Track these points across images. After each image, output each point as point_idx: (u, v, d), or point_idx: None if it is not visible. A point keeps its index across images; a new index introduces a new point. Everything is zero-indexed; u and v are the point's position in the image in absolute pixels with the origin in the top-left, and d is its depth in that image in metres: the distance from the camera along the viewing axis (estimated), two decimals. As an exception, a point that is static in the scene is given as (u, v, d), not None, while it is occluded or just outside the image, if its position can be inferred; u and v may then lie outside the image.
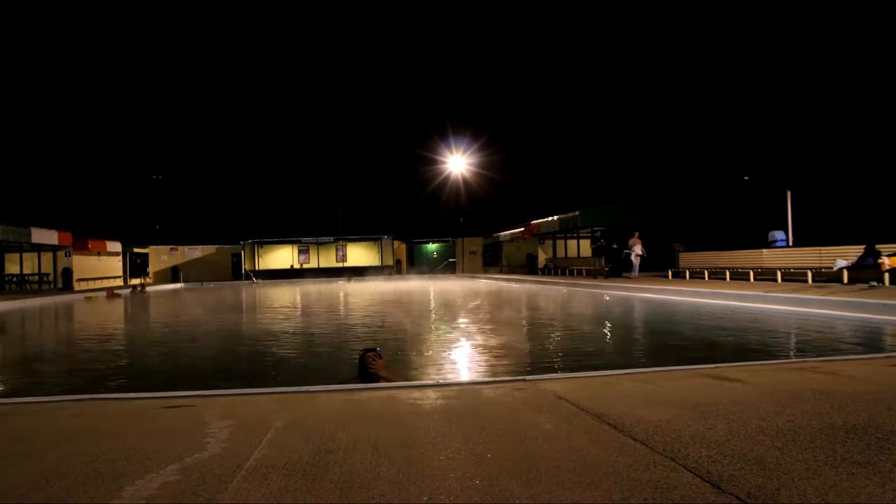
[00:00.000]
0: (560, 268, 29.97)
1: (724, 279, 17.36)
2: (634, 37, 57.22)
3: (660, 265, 24.87)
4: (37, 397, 3.94)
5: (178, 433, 2.83)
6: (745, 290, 12.98)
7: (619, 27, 58.92)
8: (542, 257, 33.94)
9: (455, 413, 3.12)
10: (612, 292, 16.63)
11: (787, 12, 40.56)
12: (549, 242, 34.11)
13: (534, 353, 7.12)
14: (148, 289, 28.79)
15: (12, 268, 29.59)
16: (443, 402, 3.39)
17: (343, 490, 2.04)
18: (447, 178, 39.13)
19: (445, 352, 7.33)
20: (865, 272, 13.14)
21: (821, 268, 14.73)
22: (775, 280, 15.59)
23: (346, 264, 41.46)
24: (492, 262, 42.14)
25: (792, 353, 6.63)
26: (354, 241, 42.16)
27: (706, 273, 18.79)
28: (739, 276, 17.23)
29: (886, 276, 12.51)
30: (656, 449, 2.39)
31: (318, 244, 41.79)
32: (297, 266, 41.16)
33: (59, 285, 28.51)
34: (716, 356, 6.08)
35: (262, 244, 41.13)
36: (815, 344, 7.01)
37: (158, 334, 10.50)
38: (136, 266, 38.63)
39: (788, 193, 21.59)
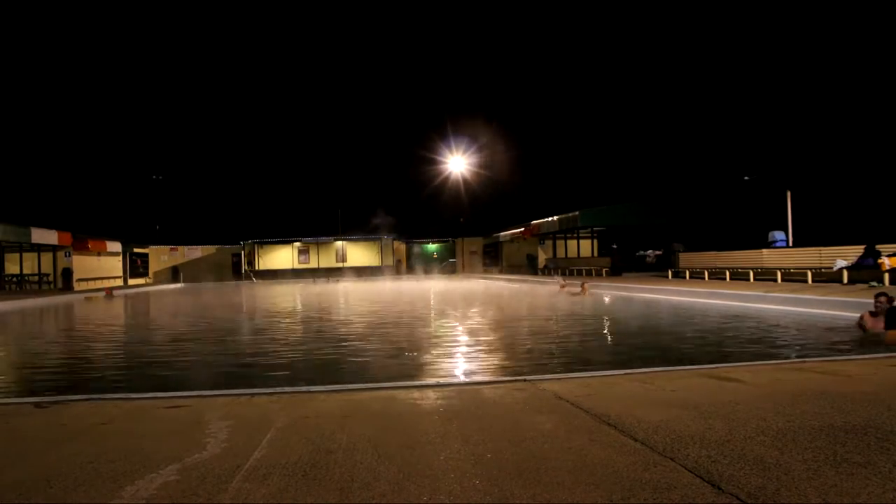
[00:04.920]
0: (560, 268, 29.97)
1: (724, 279, 17.35)
2: (635, 37, 57.23)
3: (660, 265, 24.88)
4: (37, 397, 3.94)
5: (178, 433, 2.83)
6: (744, 290, 12.97)
7: (620, 28, 58.93)
8: (542, 257, 33.93)
9: (455, 413, 3.12)
10: (611, 293, 16.63)
11: (787, 13, 40.57)
12: (549, 242, 34.10)
13: (532, 352, 7.12)
14: (136, 290, 28.76)
15: (12, 268, 29.57)
16: (443, 403, 3.39)
17: (343, 490, 2.04)
18: (447, 178, 39.16)
19: (450, 352, 7.33)
20: (865, 272, 13.14)
21: (821, 268, 14.73)
22: (775, 280, 15.58)
23: (346, 264, 41.43)
24: (492, 262, 42.12)
25: (792, 353, 6.63)
26: (354, 241, 42.13)
27: (706, 273, 18.79)
28: (739, 276, 17.23)
29: (886, 276, 12.51)
30: (656, 449, 2.39)
31: (318, 244, 41.77)
32: (297, 266, 41.13)
33: (59, 285, 28.50)
34: (714, 356, 6.08)
35: (262, 244, 41.10)
36: (815, 344, 7.01)
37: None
38: (135, 267, 38.62)
39: (788, 193, 21.59)
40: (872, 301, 7.46)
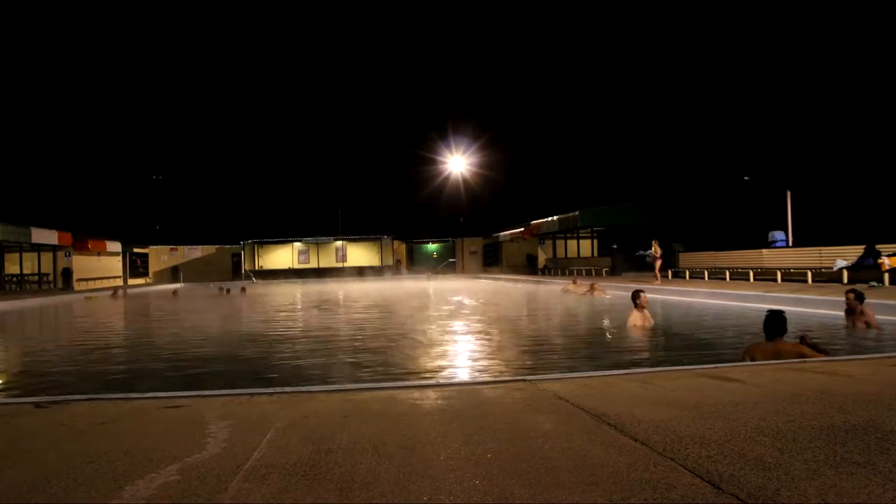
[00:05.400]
0: (560, 268, 29.97)
1: (724, 279, 17.36)
2: (635, 37, 57.22)
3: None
4: (37, 397, 3.94)
5: (178, 433, 2.83)
6: (744, 290, 12.98)
7: (620, 27, 58.92)
8: (542, 257, 33.94)
9: (455, 413, 3.12)
10: (611, 292, 16.61)
11: (786, 12, 40.57)
12: (549, 242, 34.09)
13: (533, 352, 7.12)
14: (141, 290, 28.76)
15: (12, 268, 29.55)
16: (443, 403, 3.39)
17: (343, 490, 2.04)
18: (447, 178, 39.16)
19: (455, 351, 7.33)
20: (865, 272, 13.14)
21: (821, 268, 14.73)
22: (775, 280, 15.58)
23: (346, 264, 41.45)
24: (492, 262, 42.12)
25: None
26: (354, 241, 42.14)
27: (706, 273, 18.79)
28: (739, 276, 17.23)
29: (886, 276, 12.52)
30: (656, 449, 2.39)
31: (318, 244, 41.78)
32: (297, 266, 41.13)
33: (59, 285, 28.48)
34: (714, 356, 6.08)
35: (262, 244, 41.11)
36: (815, 344, 7.00)
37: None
38: (135, 267, 38.59)
39: (788, 193, 21.59)
40: (869, 302, 7.58)
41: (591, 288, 15.77)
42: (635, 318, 8.41)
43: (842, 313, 8.13)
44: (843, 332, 7.66)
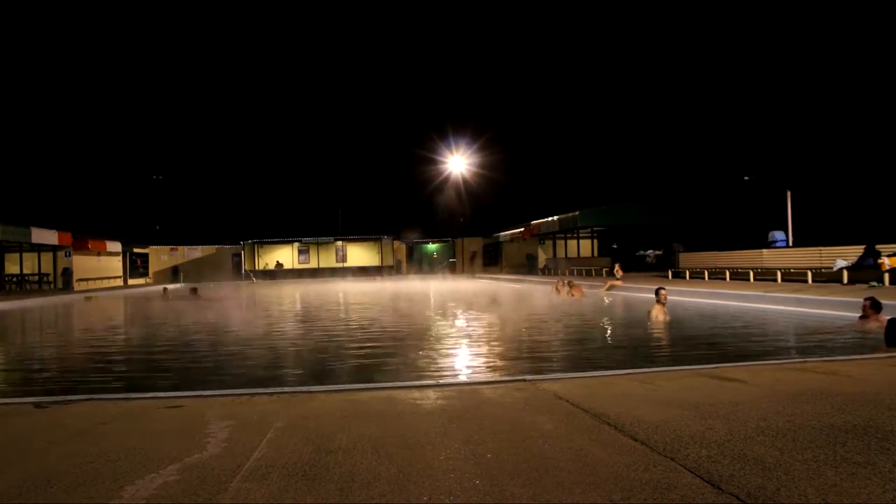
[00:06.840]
0: (560, 268, 29.95)
1: (724, 279, 17.34)
2: (635, 37, 57.24)
3: (660, 265, 24.89)
4: (37, 398, 3.94)
5: (178, 433, 2.83)
6: (745, 290, 12.97)
7: (620, 28, 58.94)
8: (542, 257, 33.93)
9: (455, 413, 3.12)
10: (611, 292, 16.61)
11: (786, 12, 40.58)
12: (549, 242, 34.08)
13: (534, 353, 7.12)
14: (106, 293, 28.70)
15: (12, 268, 29.53)
16: (443, 403, 3.39)
17: (343, 490, 2.04)
18: (447, 178, 39.16)
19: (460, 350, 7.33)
20: (865, 272, 13.13)
21: (821, 268, 14.72)
22: (775, 280, 15.57)
23: (346, 264, 41.44)
24: (492, 262, 42.11)
25: (792, 353, 6.63)
26: (354, 241, 42.13)
27: (706, 273, 18.77)
28: (739, 276, 17.22)
29: (886, 276, 12.51)
30: (656, 449, 2.39)
31: (318, 244, 41.77)
32: (297, 266, 41.13)
33: (59, 285, 28.48)
34: (714, 356, 6.08)
35: (262, 244, 41.10)
36: (815, 344, 7.00)
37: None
38: (135, 267, 38.56)
39: (788, 193, 21.59)
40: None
41: (572, 288, 15.51)
42: (657, 312, 9.36)
43: (843, 313, 8.14)
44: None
